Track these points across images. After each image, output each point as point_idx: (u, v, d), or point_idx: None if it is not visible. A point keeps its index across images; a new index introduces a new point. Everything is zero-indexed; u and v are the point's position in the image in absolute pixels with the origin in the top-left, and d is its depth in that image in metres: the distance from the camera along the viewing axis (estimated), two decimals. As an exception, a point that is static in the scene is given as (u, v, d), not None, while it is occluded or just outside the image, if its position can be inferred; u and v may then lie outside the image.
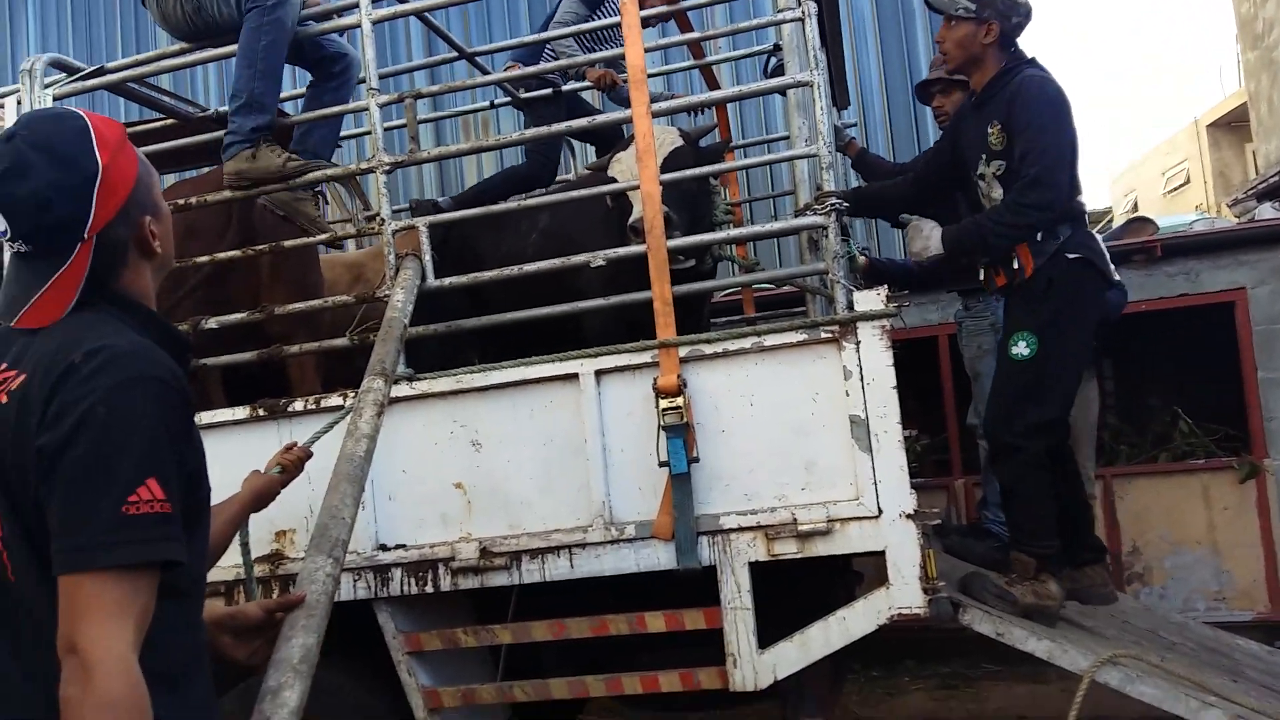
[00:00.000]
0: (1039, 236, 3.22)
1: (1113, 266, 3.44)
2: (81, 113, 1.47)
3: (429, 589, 3.19)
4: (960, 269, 3.89)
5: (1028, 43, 3.43)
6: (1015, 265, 3.26)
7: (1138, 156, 19.55)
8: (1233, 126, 15.52)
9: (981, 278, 3.48)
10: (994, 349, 3.98)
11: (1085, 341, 3.32)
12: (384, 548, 3.24)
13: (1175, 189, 17.25)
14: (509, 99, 4.68)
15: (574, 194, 3.72)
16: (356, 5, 3.50)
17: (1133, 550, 5.50)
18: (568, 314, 3.38)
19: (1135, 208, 17.65)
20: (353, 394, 3.09)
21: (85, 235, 1.41)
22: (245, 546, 2.69)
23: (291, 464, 2.72)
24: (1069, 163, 3.23)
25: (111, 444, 1.29)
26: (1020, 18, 3.35)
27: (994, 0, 3.30)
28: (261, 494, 2.63)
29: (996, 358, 3.56)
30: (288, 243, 3.65)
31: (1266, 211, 6.49)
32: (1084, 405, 4.20)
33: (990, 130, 3.28)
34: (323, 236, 3.68)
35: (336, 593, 2.30)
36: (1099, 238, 3.42)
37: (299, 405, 3.37)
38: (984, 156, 3.32)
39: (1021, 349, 3.19)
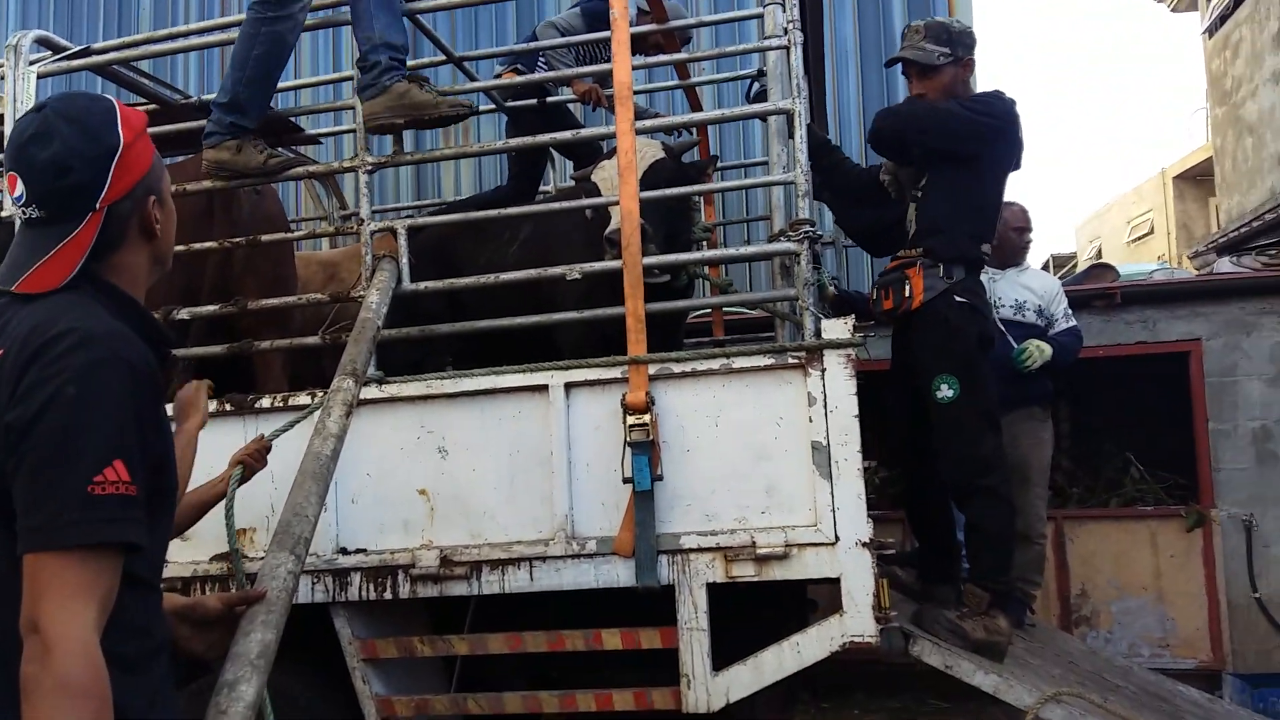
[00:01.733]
0: (940, 271, 3.32)
1: (996, 320, 3.58)
2: (112, 98, 1.52)
3: (388, 595, 3.18)
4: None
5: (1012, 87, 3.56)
6: (906, 292, 3.36)
7: (1104, 205, 19.93)
8: (1198, 180, 15.89)
9: (875, 298, 3.58)
10: None
11: (991, 376, 3.42)
12: (344, 551, 3.23)
13: (1139, 238, 17.60)
14: (493, 106, 4.70)
15: (555, 205, 3.74)
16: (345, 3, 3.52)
17: (1081, 593, 5.60)
18: (539, 325, 3.40)
19: (1100, 255, 17.98)
20: (321, 393, 3.08)
21: (97, 205, 1.44)
22: (229, 519, 2.66)
23: (251, 458, 2.71)
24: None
25: (80, 423, 1.29)
26: (974, 44, 3.54)
27: (961, 37, 3.47)
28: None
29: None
30: (265, 237, 3.64)
31: (1224, 265, 6.65)
32: (1037, 445, 4.28)
33: None
34: (300, 234, 3.68)
35: (297, 591, 2.30)
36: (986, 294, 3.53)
37: (266, 402, 3.36)
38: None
39: (946, 392, 3.27)
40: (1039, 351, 4.07)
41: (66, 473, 1.28)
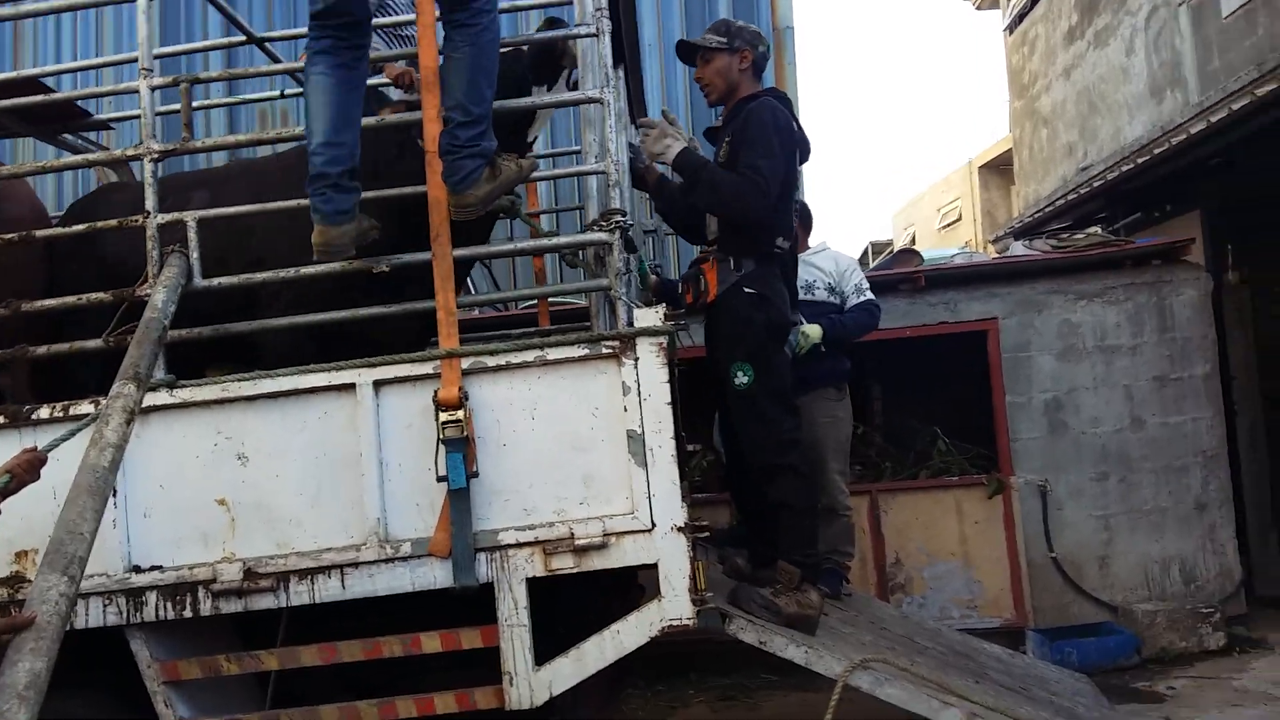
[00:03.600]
0: (732, 264, 3.48)
1: (793, 307, 3.71)
2: None
3: (187, 613, 3.00)
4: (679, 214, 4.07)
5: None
6: (702, 286, 3.57)
7: (916, 194, 21.03)
8: (1001, 169, 16.97)
9: (680, 291, 3.76)
10: None
11: (785, 360, 3.56)
12: (138, 569, 3.02)
13: (949, 225, 18.66)
14: (301, 90, 4.47)
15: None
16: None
17: (895, 562, 5.88)
18: (349, 320, 3.25)
19: (914, 241, 18.96)
20: (104, 400, 2.86)
21: None
22: None
23: (21, 469, 2.51)
24: (779, 190, 3.47)
25: None
26: (765, 48, 3.75)
27: (740, 31, 3.70)
28: None
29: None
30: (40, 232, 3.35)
31: (1018, 248, 7.11)
32: (833, 424, 4.44)
33: (720, 147, 3.62)
34: (79, 227, 3.39)
35: (71, 614, 2.15)
36: (779, 283, 3.61)
37: (44, 412, 3.10)
38: None
39: (742, 379, 3.40)
40: (804, 338, 4.20)
41: None
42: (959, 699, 3.10)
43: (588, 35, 3.26)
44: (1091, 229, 7.67)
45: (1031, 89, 11.79)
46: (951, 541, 5.88)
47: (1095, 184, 8.41)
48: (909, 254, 7.41)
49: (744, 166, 3.42)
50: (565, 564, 2.95)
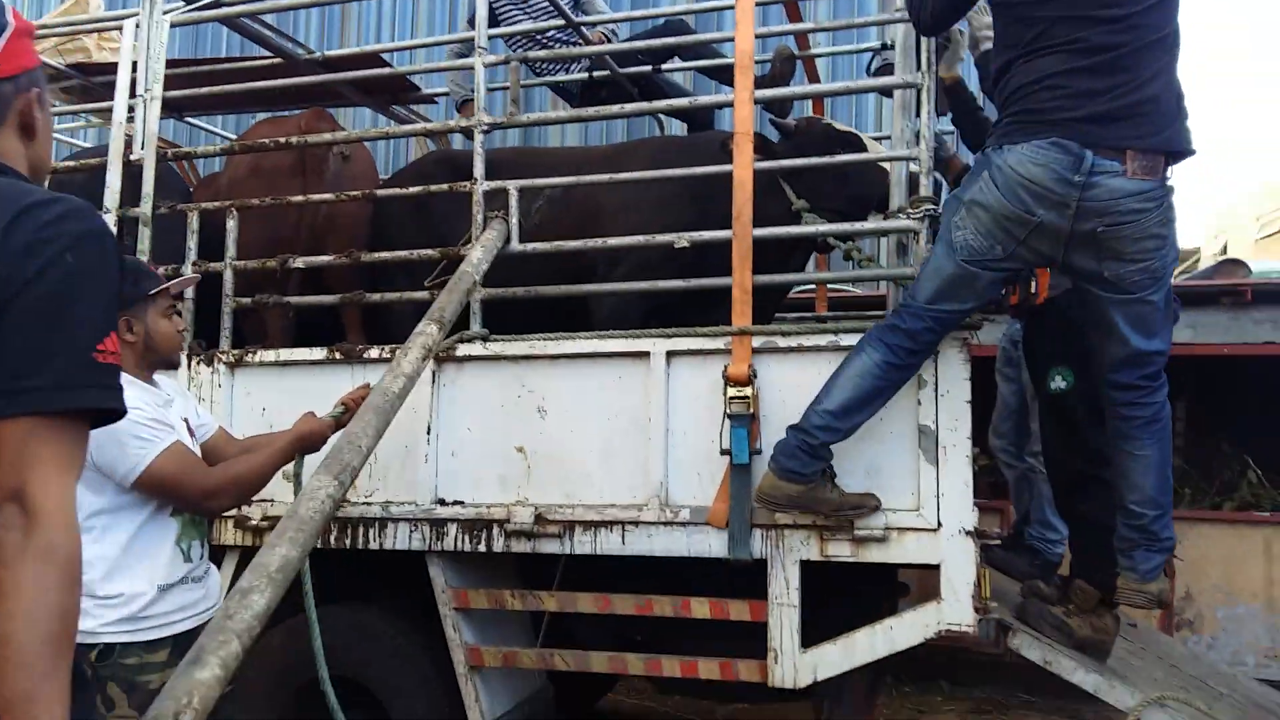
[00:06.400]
0: None
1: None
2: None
3: (482, 548, 3.23)
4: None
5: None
6: (1032, 288, 3.27)
7: (1233, 198, 18.94)
8: (1335, 176, 14.97)
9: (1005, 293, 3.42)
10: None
11: None
12: (442, 502, 3.29)
13: (1269, 235, 16.67)
14: (607, 72, 4.67)
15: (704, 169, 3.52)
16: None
17: (1185, 596, 5.37)
18: (648, 291, 3.38)
19: (1225, 251, 17.09)
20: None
21: None
22: (298, 478, 2.76)
23: (355, 402, 2.80)
24: None
25: (83, 290, 1.26)
26: None
27: None
28: (309, 436, 2.72)
29: (1032, 390, 3.57)
30: (380, 192, 3.70)
31: (1365, 267, 6.25)
32: None
33: None
34: (412, 189, 3.71)
35: (333, 515, 2.25)
36: None
37: (374, 352, 3.43)
38: None
39: (1059, 383, 3.22)
40: None
41: (71, 337, 1.23)
42: (1265, 757, 2.80)
43: (905, 20, 3.17)
44: None
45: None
46: (1255, 582, 5.30)
47: None
48: (1234, 264, 6.68)
49: None
50: (842, 551, 2.92)
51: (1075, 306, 3.18)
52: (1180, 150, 2.61)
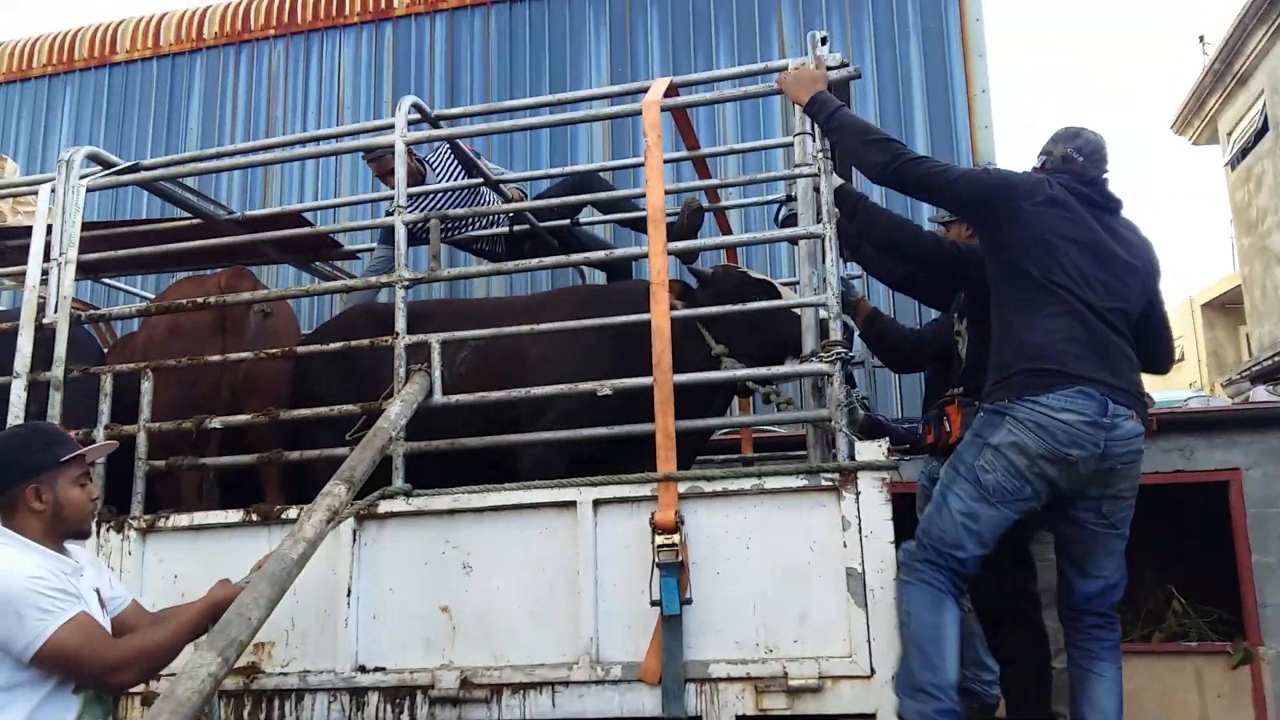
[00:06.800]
0: (975, 409, 3.19)
1: None
2: None
3: (405, 718, 3.07)
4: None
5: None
6: (946, 427, 3.40)
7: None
8: (1226, 308, 15.87)
9: (920, 432, 3.62)
10: None
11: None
12: (363, 669, 3.14)
13: (1168, 365, 17.47)
14: (526, 226, 4.80)
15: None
16: (392, 126, 3.64)
17: (1124, 730, 5.33)
18: (573, 440, 3.38)
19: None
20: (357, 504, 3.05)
21: None
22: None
23: None
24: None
25: None
26: None
27: None
28: (223, 604, 2.59)
29: None
30: (301, 349, 3.69)
31: (1260, 394, 6.56)
32: (1049, 567, 4.13)
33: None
34: (335, 345, 3.70)
35: (215, 693, 2.16)
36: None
37: (293, 512, 3.32)
38: (957, 315, 3.56)
39: None
40: None
41: None
42: None
43: (809, 175, 3.34)
44: (1347, 375, 6.99)
45: (1260, 225, 11.08)
46: (1190, 714, 5.29)
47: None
48: (1136, 396, 6.93)
49: None
50: (778, 705, 2.85)
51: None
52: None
